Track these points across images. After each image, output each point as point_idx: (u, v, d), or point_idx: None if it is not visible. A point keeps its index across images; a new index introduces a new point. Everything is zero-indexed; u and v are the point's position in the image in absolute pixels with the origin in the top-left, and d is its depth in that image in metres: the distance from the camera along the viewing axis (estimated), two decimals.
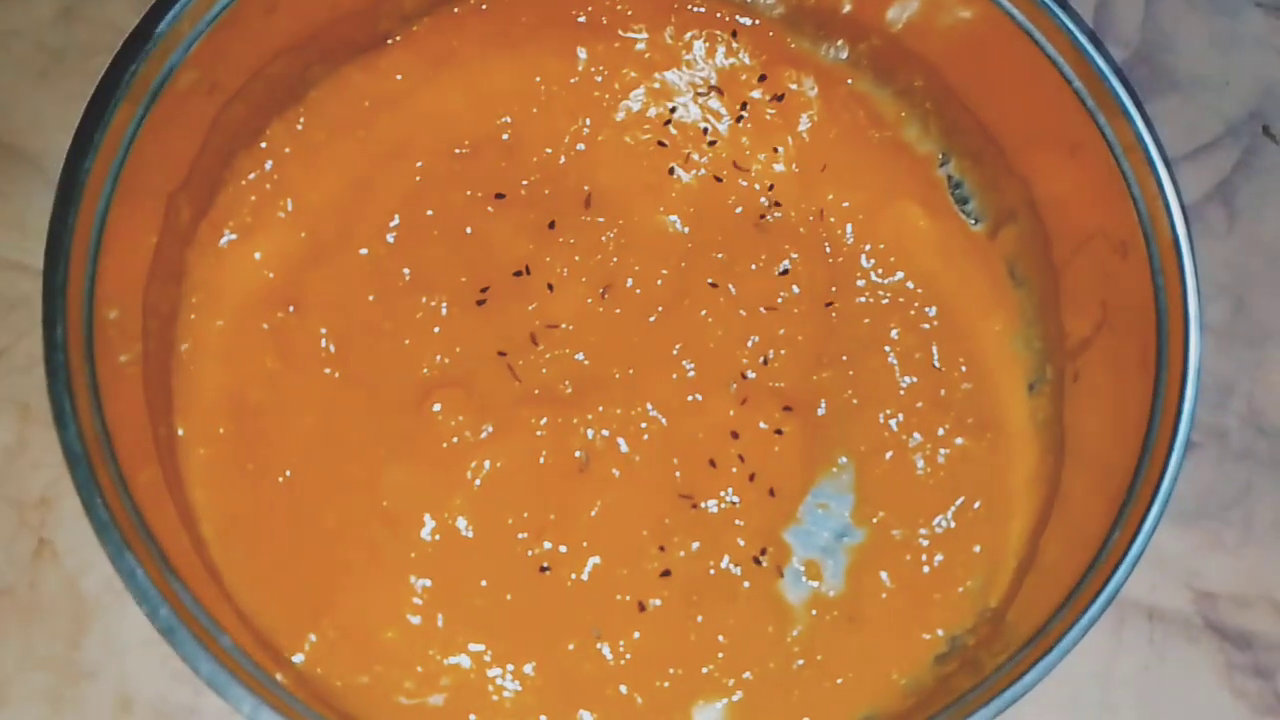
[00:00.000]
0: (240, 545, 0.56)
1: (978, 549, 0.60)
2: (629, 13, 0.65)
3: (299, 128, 0.61)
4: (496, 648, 0.56)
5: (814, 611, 0.59)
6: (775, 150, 0.65)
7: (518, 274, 0.61)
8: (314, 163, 0.61)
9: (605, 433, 0.59)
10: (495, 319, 0.60)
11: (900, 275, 0.64)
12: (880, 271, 0.64)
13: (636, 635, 0.57)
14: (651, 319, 0.61)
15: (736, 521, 0.59)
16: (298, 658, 0.55)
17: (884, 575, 0.59)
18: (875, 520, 0.60)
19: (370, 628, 0.56)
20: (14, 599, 0.58)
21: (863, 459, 0.61)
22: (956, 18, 0.60)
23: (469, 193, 0.62)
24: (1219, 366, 0.66)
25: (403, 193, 0.62)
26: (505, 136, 0.64)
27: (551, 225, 0.62)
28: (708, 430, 0.60)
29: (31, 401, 0.60)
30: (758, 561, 0.59)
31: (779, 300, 0.62)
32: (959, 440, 0.61)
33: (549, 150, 0.64)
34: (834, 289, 0.63)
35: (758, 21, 0.65)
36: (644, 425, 0.59)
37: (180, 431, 0.57)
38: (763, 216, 0.64)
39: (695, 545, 0.58)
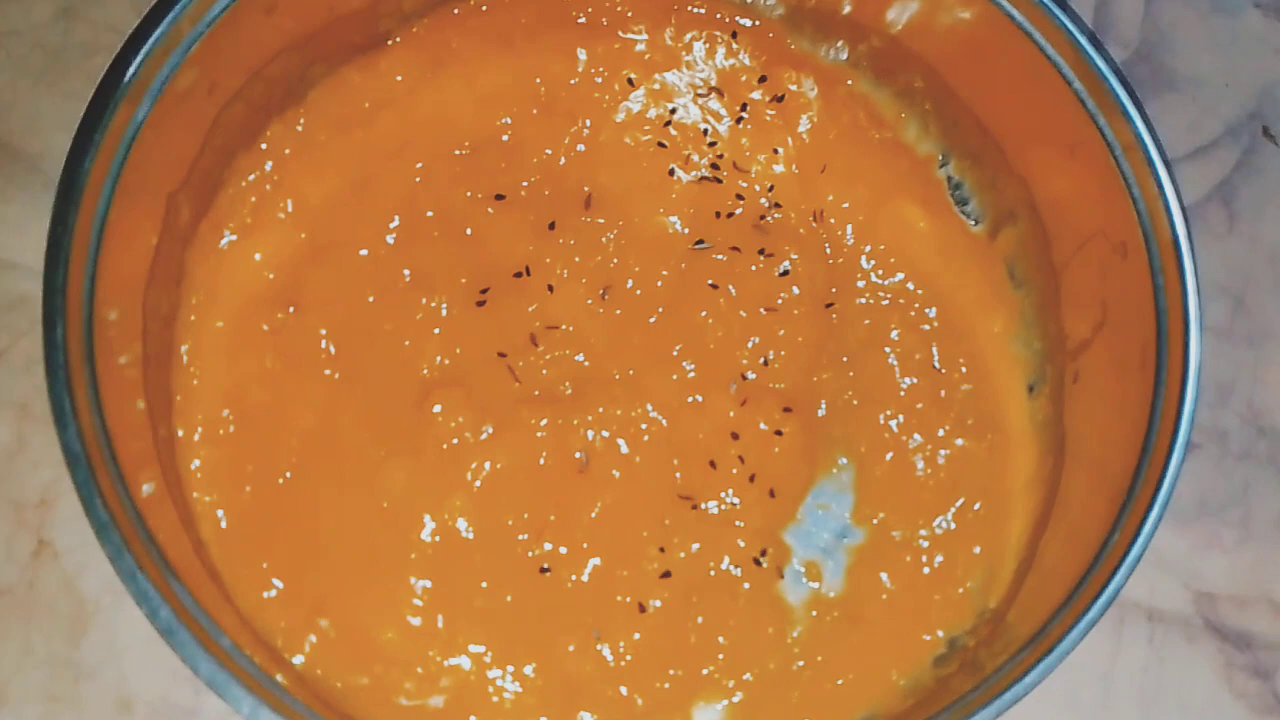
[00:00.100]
0: (240, 546, 0.56)
1: (978, 550, 0.60)
2: (629, 14, 0.65)
3: (299, 128, 0.61)
4: (497, 649, 0.56)
5: (814, 612, 0.59)
6: (775, 151, 0.65)
7: (518, 275, 0.61)
8: (314, 163, 0.61)
9: (605, 433, 0.59)
10: (495, 320, 0.60)
11: (900, 276, 0.64)
12: (880, 272, 0.64)
13: (637, 636, 0.57)
14: (652, 320, 0.61)
15: (737, 522, 0.59)
16: (298, 658, 0.55)
17: (884, 576, 0.59)
18: (875, 521, 0.60)
19: (370, 628, 0.56)
20: (13, 599, 0.58)
21: (863, 460, 0.61)
22: (956, 18, 0.60)
23: (469, 193, 0.62)
24: (1219, 366, 0.66)
25: (403, 193, 0.62)
26: (505, 137, 0.64)
27: (552, 226, 0.62)
28: (708, 431, 0.60)
29: (31, 401, 0.60)
30: (758, 562, 0.59)
31: (779, 301, 0.62)
32: (959, 441, 0.61)
33: (549, 151, 0.64)
34: (834, 290, 0.63)
35: (758, 22, 0.65)
36: (644, 426, 0.59)
37: (180, 432, 0.57)
38: (762, 217, 0.64)
39: (695, 546, 0.58)
